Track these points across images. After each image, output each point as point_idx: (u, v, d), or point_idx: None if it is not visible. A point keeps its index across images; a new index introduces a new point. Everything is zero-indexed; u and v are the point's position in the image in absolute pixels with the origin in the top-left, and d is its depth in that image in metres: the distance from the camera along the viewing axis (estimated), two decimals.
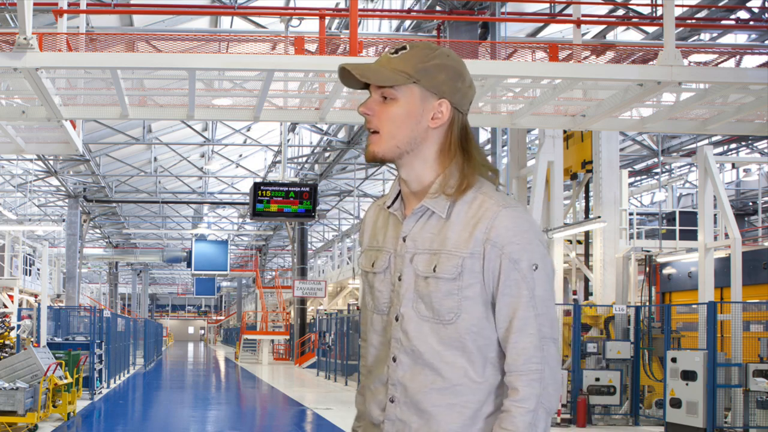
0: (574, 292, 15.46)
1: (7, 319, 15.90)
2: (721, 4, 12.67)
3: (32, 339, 16.20)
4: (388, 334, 1.87)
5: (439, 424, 1.77)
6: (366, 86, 1.86)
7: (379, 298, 1.90)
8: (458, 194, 1.79)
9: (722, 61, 12.41)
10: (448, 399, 1.77)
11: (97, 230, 38.56)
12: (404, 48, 1.82)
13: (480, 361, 1.77)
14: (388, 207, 1.92)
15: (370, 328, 1.94)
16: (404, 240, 1.85)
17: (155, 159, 26.88)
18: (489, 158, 1.98)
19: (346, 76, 1.83)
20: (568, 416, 12.22)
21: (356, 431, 2.02)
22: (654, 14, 11.93)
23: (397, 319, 1.84)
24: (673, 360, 11.20)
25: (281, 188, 15.99)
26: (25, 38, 7.64)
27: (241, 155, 28.70)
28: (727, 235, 12.03)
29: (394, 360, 1.83)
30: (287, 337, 33.23)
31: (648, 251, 14.53)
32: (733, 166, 24.79)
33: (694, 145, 19.34)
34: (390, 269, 1.88)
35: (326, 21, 12.99)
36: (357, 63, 1.82)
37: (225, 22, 16.13)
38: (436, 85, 1.80)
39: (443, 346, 1.78)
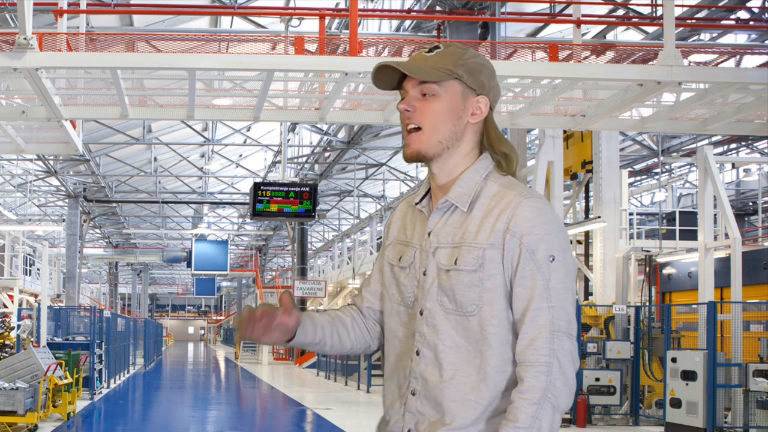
0: None
1: (7, 319, 15.90)
2: (721, 4, 12.67)
3: (32, 339, 16.20)
4: (412, 327, 1.89)
5: (453, 418, 1.78)
6: (396, 87, 1.89)
7: (404, 292, 1.92)
8: (486, 183, 1.84)
9: (722, 61, 12.40)
10: (465, 394, 1.78)
11: (97, 230, 38.55)
12: (437, 47, 1.87)
13: (500, 357, 1.77)
14: (416, 204, 1.95)
15: (396, 320, 1.95)
16: (429, 235, 1.88)
17: (155, 159, 26.88)
18: None
19: (380, 76, 1.88)
20: (568, 416, 12.21)
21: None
22: (654, 14, 11.93)
23: (421, 314, 1.85)
24: (673, 360, 11.20)
25: (281, 188, 15.98)
26: (25, 38, 7.64)
27: (241, 155, 28.69)
28: (727, 235, 12.02)
29: (417, 353, 1.85)
30: None
31: (648, 251, 14.52)
32: (733, 166, 24.79)
33: (694, 145, 19.34)
34: (415, 264, 1.90)
35: (326, 21, 12.99)
36: (396, 60, 1.86)
37: (225, 22, 16.12)
38: (477, 81, 1.85)
39: (466, 340, 1.79)
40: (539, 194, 1.82)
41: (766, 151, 21.87)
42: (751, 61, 13.70)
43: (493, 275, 1.77)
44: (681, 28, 12.26)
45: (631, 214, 15.73)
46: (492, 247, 1.76)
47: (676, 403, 11.02)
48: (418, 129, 1.85)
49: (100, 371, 16.72)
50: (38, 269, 26.46)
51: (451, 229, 1.84)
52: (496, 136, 1.88)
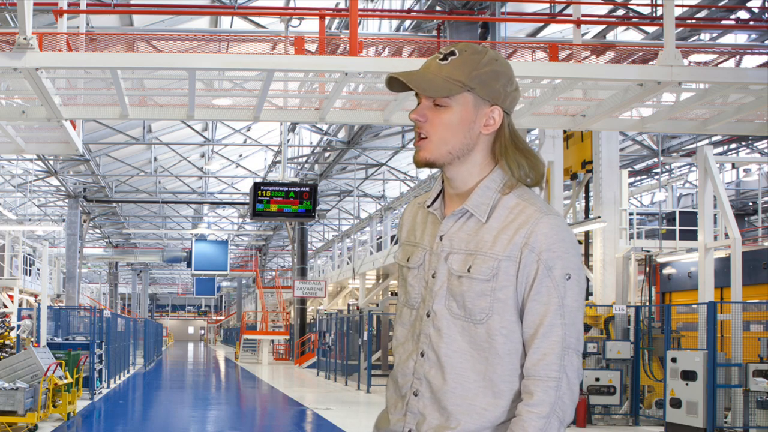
0: None
1: (7, 319, 15.90)
2: (721, 4, 12.67)
3: (32, 339, 16.20)
4: (416, 329, 1.89)
5: (458, 422, 1.79)
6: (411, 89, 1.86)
7: (411, 292, 1.93)
8: (504, 194, 1.83)
9: (722, 61, 12.40)
10: (469, 400, 1.79)
11: (97, 230, 38.56)
12: (452, 53, 1.82)
13: (507, 368, 1.78)
14: (429, 206, 1.94)
15: (398, 320, 1.97)
16: (441, 239, 1.88)
17: (155, 159, 26.89)
18: None
19: (393, 82, 1.84)
20: None
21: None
22: (654, 14, 11.93)
23: (428, 316, 1.86)
24: (673, 360, 11.20)
25: (281, 188, 15.99)
26: (25, 38, 7.64)
27: (241, 155, 28.70)
28: (727, 235, 12.02)
29: (422, 355, 1.86)
30: (287, 337, 33.23)
31: (648, 251, 14.52)
32: (733, 166, 24.79)
33: (694, 145, 19.35)
34: (424, 266, 1.91)
35: (326, 21, 13.00)
36: (408, 72, 1.82)
37: (225, 22, 16.12)
38: (491, 92, 1.81)
39: (472, 346, 1.80)
40: (557, 211, 1.83)
41: (766, 151, 21.87)
42: (751, 61, 13.70)
43: (506, 287, 1.78)
44: (681, 28, 12.26)
45: (631, 214, 15.73)
46: (508, 259, 1.78)
47: (676, 403, 11.02)
48: (427, 137, 1.84)
49: (100, 371, 16.71)
50: (38, 269, 26.48)
51: (465, 235, 1.84)
52: (506, 147, 1.85)
